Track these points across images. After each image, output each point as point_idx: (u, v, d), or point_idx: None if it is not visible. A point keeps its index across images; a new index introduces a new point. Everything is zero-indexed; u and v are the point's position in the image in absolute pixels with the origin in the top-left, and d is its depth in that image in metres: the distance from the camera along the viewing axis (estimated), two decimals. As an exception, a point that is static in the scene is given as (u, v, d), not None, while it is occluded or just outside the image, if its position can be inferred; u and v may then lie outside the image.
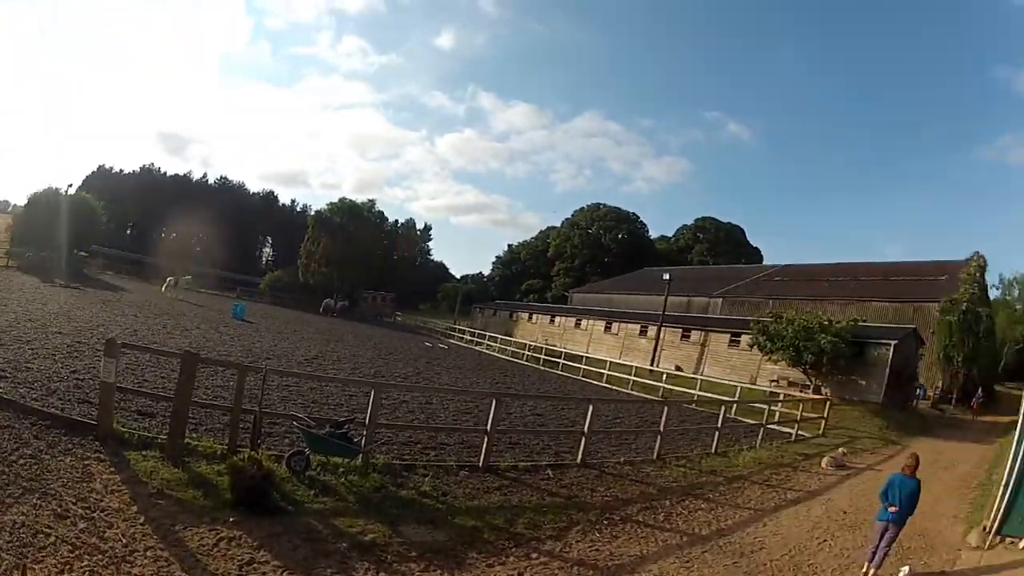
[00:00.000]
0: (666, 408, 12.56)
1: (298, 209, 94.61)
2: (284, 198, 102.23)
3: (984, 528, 8.48)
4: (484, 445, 9.09)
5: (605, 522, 7.63)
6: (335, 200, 64.65)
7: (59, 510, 5.00)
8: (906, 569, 7.12)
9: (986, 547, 8.13)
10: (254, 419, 7.51)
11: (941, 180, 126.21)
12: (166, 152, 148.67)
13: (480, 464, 8.96)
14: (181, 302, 34.52)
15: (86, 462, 6.12)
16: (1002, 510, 8.15)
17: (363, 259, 61.11)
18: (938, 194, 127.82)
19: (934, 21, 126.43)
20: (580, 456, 10.36)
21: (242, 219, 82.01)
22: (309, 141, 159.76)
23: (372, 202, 66.93)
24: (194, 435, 7.72)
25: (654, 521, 8.09)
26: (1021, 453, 7.98)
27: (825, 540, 8.34)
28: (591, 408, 10.81)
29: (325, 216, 62.62)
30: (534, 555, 6.24)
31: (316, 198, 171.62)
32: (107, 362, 6.95)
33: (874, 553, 7.09)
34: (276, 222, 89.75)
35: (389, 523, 6.22)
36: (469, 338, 45.37)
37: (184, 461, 6.70)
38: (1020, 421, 8.37)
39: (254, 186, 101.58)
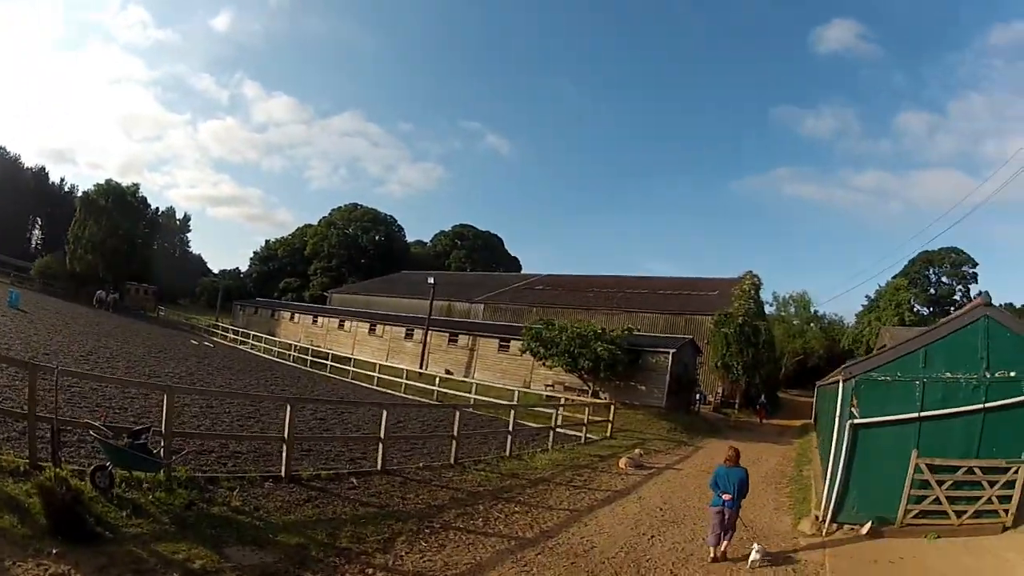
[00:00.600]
0: (458, 412, 12.39)
1: (67, 189, 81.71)
2: (54, 176, 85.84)
3: (816, 518, 9.22)
4: (284, 453, 8.63)
5: (427, 530, 7.53)
6: (102, 182, 58.30)
7: None
8: (757, 547, 7.50)
9: (823, 534, 8.76)
10: (52, 428, 6.65)
11: (713, 205, 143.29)
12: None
13: (283, 474, 8.46)
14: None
15: None
16: (833, 501, 8.95)
17: (128, 248, 56.22)
18: (708, 219, 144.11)
19: (714, 60, 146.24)
20: (380, 463, 10.10)
21: (16, 197, 70.55)
22: (82, 115, 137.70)
23: (136, 186, 60.25)
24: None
25: (475, 527, 8.04)
26: (843, 453, 8.91)
27: (653, 536, 8.56)
28: (384, 413, 10.53)
29: (92, 198, 56.38)
30: (369, 570, 6.11)
31: (83, 178, 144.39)
32: None
33: (718, 536, 7.53)
34: (46, 202, 77.67)
35: (213, 546, 5.84)
36: (233, 336, 42.40)
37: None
38: (835, 426, 9.42)
39: (28, 161, 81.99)
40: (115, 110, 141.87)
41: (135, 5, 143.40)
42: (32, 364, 7.29)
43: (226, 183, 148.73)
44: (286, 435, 8.77)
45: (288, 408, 8.97)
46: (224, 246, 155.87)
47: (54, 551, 5.07)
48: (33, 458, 6.60)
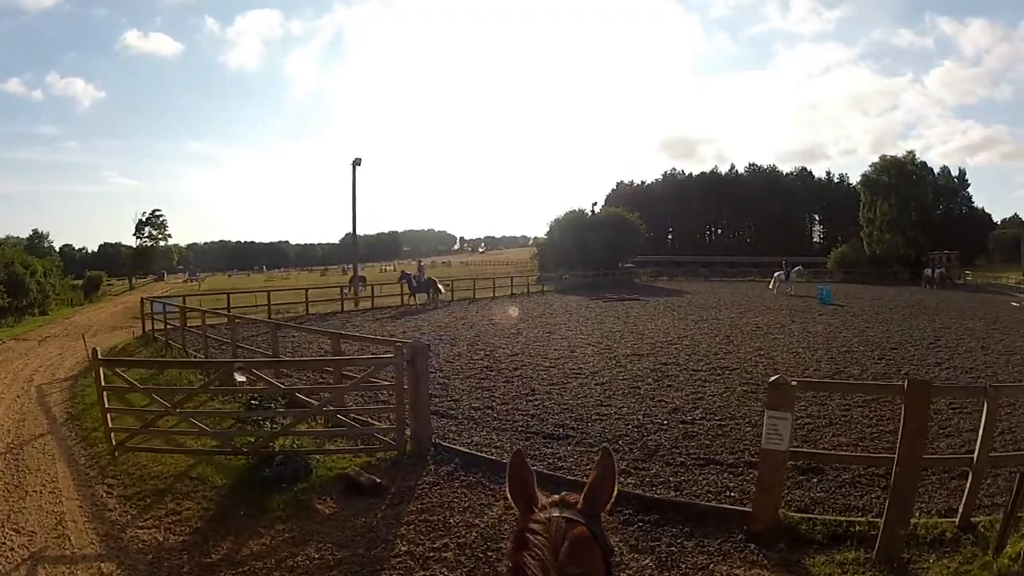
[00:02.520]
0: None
1: (835, 180, 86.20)
2: (817, 172, 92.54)
3: None
4: None
5: None
6: (876, 160, 58.34)
7: None
8: None
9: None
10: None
11: None
12: (674, 157, 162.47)
13: None
14: (791, 297, 29.95)
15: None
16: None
17: (921, 218, 54.76)
18: None
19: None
20: None
21: (787, 201, 79.21)
22: (805, 113, 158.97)
23: (911, 154, 58.63)
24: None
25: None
26: None
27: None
28: None
29: (872, 178, 57.09)
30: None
31: (841, 167, 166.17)
32: (773, 418, 4.52)
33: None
34: (816, 198, 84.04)
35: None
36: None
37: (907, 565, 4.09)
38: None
39: (784, 167, 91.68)
40: (838, 97, 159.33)
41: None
42: (920, 382, 4.78)
43: (972, 128, 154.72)
44: None
45: None
46: (998, 193, 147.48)
47: None
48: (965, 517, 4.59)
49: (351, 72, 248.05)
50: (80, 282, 52.86)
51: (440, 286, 27.75)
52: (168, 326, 16.60)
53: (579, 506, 1.23)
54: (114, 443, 6.76)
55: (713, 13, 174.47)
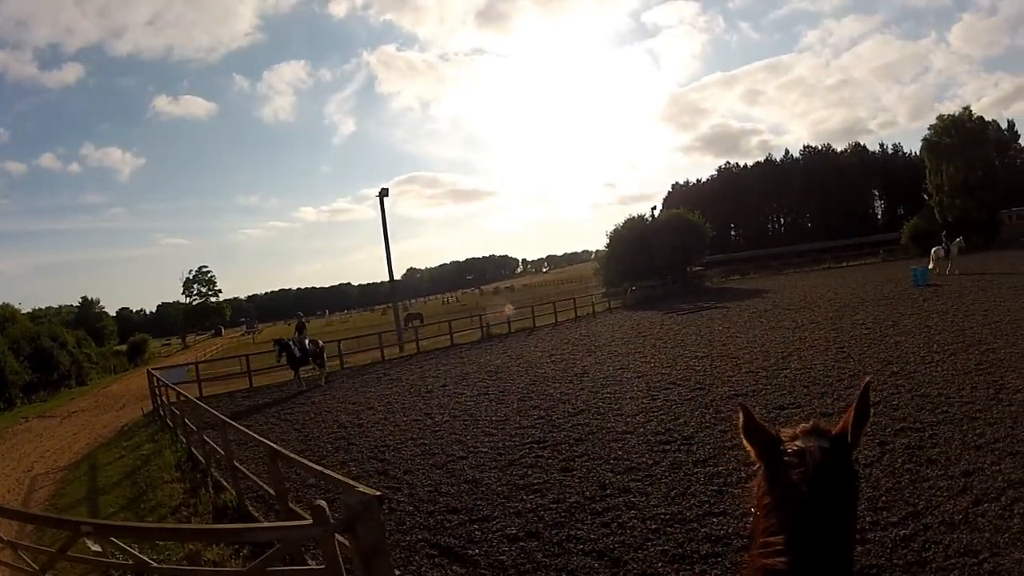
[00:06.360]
0: None
1: (889, 152, 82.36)
2: (871, 146, 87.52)
3: None
4: None
5: None
6: (935, 122, 54.68)
7: None
8: None
9: None
10: None
11: None
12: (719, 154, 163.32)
13: None
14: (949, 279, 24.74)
15: None
16: None
17: (988, 177, 51.28)
18: None
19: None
20: None
21: (843, 179, 76.47)
22: (838, 92, 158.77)
23: (967, 110, 54.45)
24: None
25: None
26: None
27: None
28: None
29: (934, 141, 53.58)
30: None
31: (887, 138, 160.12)
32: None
33: None
34: (874, 173, 79.22)
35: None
36: None
37: None
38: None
39: (838, 145, 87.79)
40: (865, 68, 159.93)
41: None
42: None
43: (1003, 79, 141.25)
44: None
45: None
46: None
47: None
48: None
49: (387, 107, 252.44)
50: (124, 347, 51.36)
51: (324, 356, 18.32)
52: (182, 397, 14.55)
53: (834, 434, 1.15)
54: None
55: (731, 5, 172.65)
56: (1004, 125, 72.25)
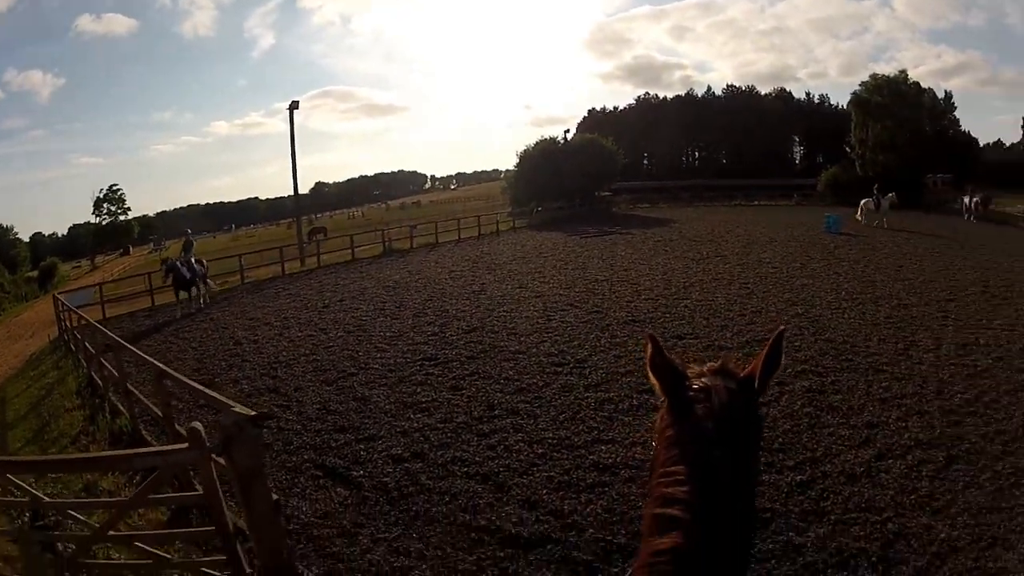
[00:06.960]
0: None
1: (815, 101, 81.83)
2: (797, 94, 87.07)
3: None
4: None
5: None
6: (867, 79, 54.64)
7: None
8: None
9: None
10: None
11: None
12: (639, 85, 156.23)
13: None
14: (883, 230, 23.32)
15: None
16: None
17: (915, 139, 51.15)
18: None
19: None
20: None
21: (764, 122, 74.58)
22: (769, 38, 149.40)
23: (903, 73, 55.14)
24: None
25: None
26: None
27: None
28: None
29: (863, 98, 53.65)
30: None
31: (814, 88, 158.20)
32: None
33: None
34: (796, 120, 77.95)
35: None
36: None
37: None
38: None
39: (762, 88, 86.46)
40: (803, 18, 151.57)
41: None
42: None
43: (947, 53, 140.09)
44: None
45: None
46: (978, 118, 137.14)
47: None
48: None
49: (308, 21, 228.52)
50: (35, 273, 47.36)
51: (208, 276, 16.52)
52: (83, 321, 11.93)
53: (742, 377, 1.11)
54: None
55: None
56: (941, 95, 75.83)
